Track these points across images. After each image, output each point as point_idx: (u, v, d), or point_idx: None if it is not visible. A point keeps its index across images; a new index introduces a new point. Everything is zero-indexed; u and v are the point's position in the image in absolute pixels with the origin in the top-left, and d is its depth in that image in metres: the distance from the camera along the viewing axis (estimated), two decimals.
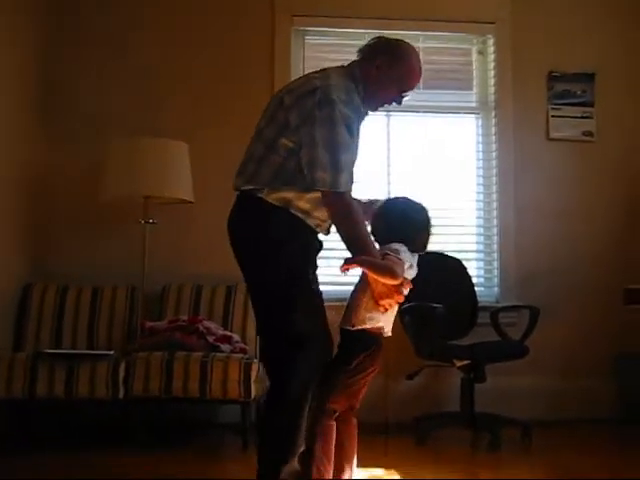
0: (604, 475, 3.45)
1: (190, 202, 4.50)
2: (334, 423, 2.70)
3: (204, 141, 4.72)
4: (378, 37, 2.88)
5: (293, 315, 2.58)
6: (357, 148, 2.69)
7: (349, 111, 2.63)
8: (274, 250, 2.65)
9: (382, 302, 2.59)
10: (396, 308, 2.69)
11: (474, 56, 5.24)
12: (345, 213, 2.61)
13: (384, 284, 2.55)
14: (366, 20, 4.95)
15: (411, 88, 2.81)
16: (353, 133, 2.64)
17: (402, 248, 2.59)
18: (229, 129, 4.75)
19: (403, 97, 2.82)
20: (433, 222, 2.76)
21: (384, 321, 2.65)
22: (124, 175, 4.36)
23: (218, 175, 4.69)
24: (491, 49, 5.15)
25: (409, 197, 2.85)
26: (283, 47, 4.98)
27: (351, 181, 2.62)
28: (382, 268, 2.52)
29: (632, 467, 3.60)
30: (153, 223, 4.43)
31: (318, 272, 2.74)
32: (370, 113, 2.87)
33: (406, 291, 2.63)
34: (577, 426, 4.60)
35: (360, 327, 2.63)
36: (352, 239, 2.58)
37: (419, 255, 2.71)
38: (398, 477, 3.29)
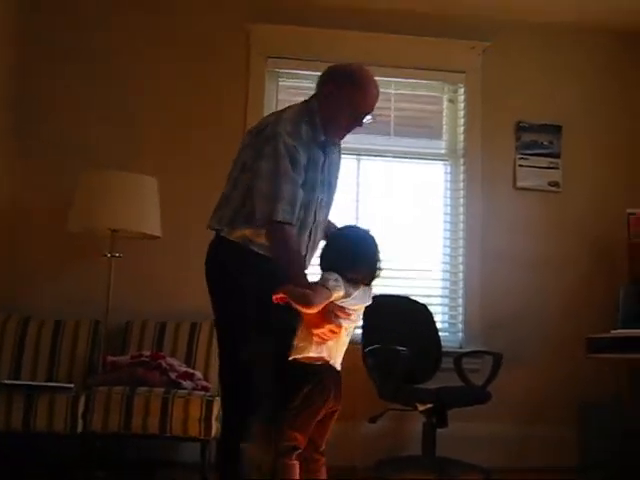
0: None
1: (157, 237, 4.49)
2: (295, 462, 2.66)
3: (174, 178, 4.72)
4: (329, 66, 2.95)
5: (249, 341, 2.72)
6: (316, 178, 2.79)
7: (294, 141, 2.71)
8: (233, 286, 2.77)
9: (315, 331, 2.60)
10: (344, 340, 2.68)
11: (445, 104, 5.32)
12: (280, 242, 2.68)
13: (317, 312, 2.56)
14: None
15: (366, 107, 2.84)
16: (297, 164, 2.70)
17: (332, 277, 2.58)
18: (199, 168, 4.79)
19: (362, 119, 2.84)
20: (379, 252, 2.72)
21: (329, 352, 2.65)
22: (92, 207, 4.35)
23: (186, 212, 4.76)
24: (461, 97, 5.25)
25: (358, 226, 2.86)
26: (257, 88, 5.03)
27: (292, 212, 2.68)
28: (297, 296, 2.53)
29: None
30: (119, 257, 4.41)
31: None
32: (341, 142, 2.96)
33: (346, 322, 2.63)
34: (538, 474, 4.60)
35: (295, 356, 2.64)
36: (285, 268, 2.63)
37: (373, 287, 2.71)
38: None
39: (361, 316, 2.78)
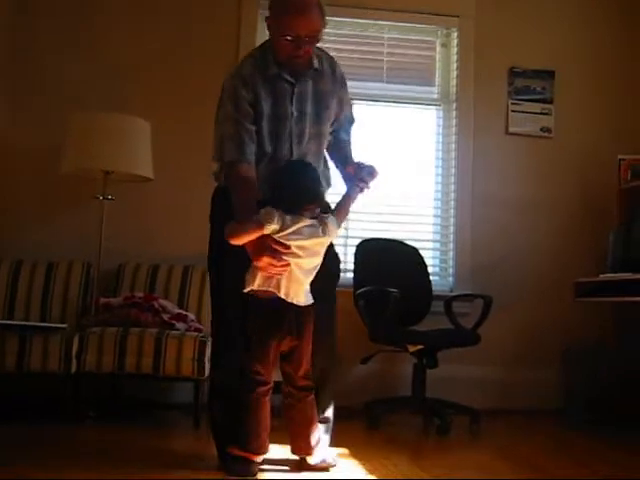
0: (547, 459, 3.51)
1: (149, 179, 4.48)
2: (259, 396, 2.80)
3: (166, 120, 4.69)
4: None
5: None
6: (281, 111, 2.92)
7: (235, 81, 2.88)
8: (212, 225, 3.06)
9: (255, 264, 2.73)
10: (297, 276, 2.76)
11: (437, 49, 5.29)
12: (229, 179, 2.90)
13: (251, 244, 2.70)
14: (333, 7, 4.93)
15: (290, 29, 2.79)
16: (239, 103, 2.85)
17: (264, 210, 2.69)
18: (191, 110, 4.75)
19: (293, 42, 2.80)
20: (309, 179, 2.83)
21: (282, 287, 2.75)
22: (84, 149, 4.32)
23: (178, 155, 4.75)
24: (454, 42, 5.21)
25: (294, 160, 2.95)
26: (249, 28, 4.97)
27: (237, 149, 2.84)
28: (226, 229, 2.70)
29: (573, 452, 3.69)
30: (111, 200, 4.41)
31: None
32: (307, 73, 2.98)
33: (289, 257, 2.71)
34: (524, 415, 4.68)
35: (246, 289, 2.78)
36: (234, 205, 2.81)
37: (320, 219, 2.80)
38: (349, 455, 3.32)
39: (319, 253, 2.81)
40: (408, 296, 4.33)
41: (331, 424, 3.11)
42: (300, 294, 2.80)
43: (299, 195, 2.76)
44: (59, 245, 4.61)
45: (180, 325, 4.16)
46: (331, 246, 2.99)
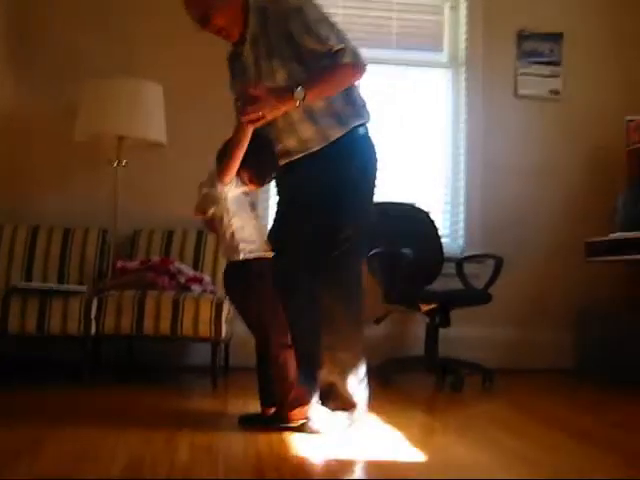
0: (561, 409, 3.59)
1: (162, 144, 4.52)
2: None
3: (179, 84, 4.72)
4: None
5: None
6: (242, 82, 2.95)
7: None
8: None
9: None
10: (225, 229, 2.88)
11: (446, 12, 5.30)
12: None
13: None
14: None
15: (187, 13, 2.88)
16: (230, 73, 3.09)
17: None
18: (204, 73, 4.74)
19: (198, 24, 2.89)
20: None
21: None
22: (97, 115, 4.37)
23: (191, 119, 4.77)
24: (463, 5, 5.23)
25: None
26: None
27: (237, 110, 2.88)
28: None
29: (585, 403, 3.76)
30: (125, 166, 4.46)
31: None
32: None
33: None
34: (536, 374, 4.75)
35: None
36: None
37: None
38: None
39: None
40: (420, 258, 4.39)
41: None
42: (250, 244, 2.91)
43: None
44: (75, 211, 4.67)
45: (196, 287, 4.22)
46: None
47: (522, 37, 5.22)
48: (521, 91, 5.21)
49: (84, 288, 4.08)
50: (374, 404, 3.08)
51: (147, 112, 4.42)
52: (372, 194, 3.03)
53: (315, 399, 2.93)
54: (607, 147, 5.11)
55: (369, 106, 3.02)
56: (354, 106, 2.95)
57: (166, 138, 4.51)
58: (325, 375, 2.92)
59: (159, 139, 4.46)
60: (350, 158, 2.92)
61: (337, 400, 2.91)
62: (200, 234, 4.63)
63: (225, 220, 2.84)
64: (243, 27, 2.92)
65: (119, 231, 4.51)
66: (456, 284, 4.63)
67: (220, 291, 4.35)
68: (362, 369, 2.95)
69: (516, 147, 5.18)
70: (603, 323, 4.79)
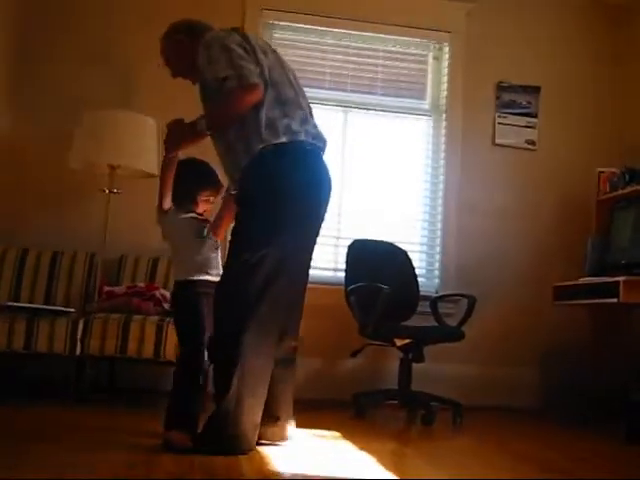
0: (527, 445, 3.74)
1: (154, 175, 4.68)
2: None
3: (171, 118, 4.88)
4: None
5: None
6: None
7: None
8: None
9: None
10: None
11: (429, 62, 5.56)
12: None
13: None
14: (333, 19, 5.26)
15: None
16: None
17: None
18: (195, 110, 4.94)
19: None
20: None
21: None
22: (93, 144, 4.53)
23: (182, 153, 4.92)
24: (446, 56, 5.48)
25: None
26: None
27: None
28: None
29: (550, 444, 3.92)
30: (117, 193, 4.61)
31: None
32: None
33: None
34: (504, 412, 4.91)
35: None
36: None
37: None
38: (340, 437, 3.52)
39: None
40: (397, 295, 4.55)
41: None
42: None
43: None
44: (64, 235, 4.80)
45: None
46: None
47: (501, 88, 5.48)
48: (498, 140, 5.45)
49: (72, 310, 4.21)
50: (348, 432, 3.17)
51: (140, 144, 4.59)
52: (270, 221, 2.94)
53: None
54: (578, 196, 5.34)
55: (292, 124, 3.00)
56: (256, 129, 2.96)
57: (157, 169, 4.65)
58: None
59: (150, 170, 4.62)
60: (248, 181, 2.99)
61: None
62: None
63: (171, 242, 3.20)
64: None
65: (107, 256, 4.64)
66: (430, 322, 4.80)
67: None
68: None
69: (492, 192, 5.40)
70: (568, 364, 4.99)
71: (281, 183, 2.94)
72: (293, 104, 3.05)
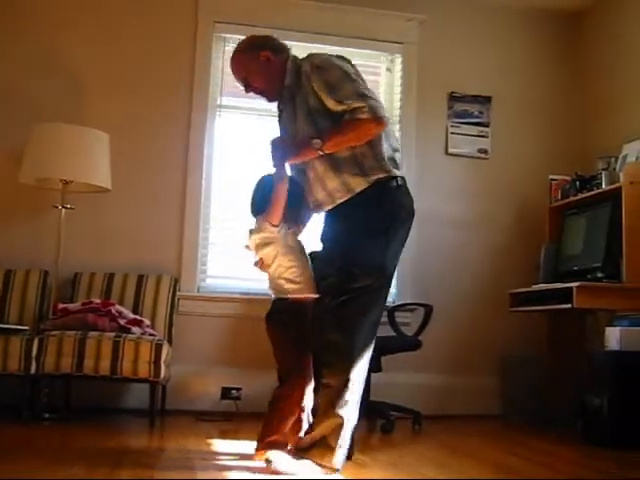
0: (488, 451, 3.77)
1: (107, 190, 4.65)
2: None
3: (124, 134, 4.88)
4: None
5: None
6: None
7: None
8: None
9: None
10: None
11: (382, 73, 5.60)
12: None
13: None
14: (285, 32, 5.20)
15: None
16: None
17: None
18: (149, 125, 4.96)
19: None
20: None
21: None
22: (44, 159, 4.47)
23: (135, 167, 4.93)
24: (398, 67, 5.53)
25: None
26: (204, 52, 5.21)
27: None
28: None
29: (510, 449, 3.96)
30: (70, 209, 4.55)
31: None
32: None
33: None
34: (463, 420, 4.94)
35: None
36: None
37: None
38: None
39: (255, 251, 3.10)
40: None
41: None
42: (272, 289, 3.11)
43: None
44: (17, 252, 4.73)
45: (136, 330, 4.32)
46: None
47: (453, 98, 5.54)
48: (451, 149, 5.50)
49: (27, 327, 4.15)
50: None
51: (92, 158, 4.54)
52: (395, 249, 3.11)
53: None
54: (531, 204, 5.42)
55: (398, 157, 3.19)
56: (377, 159, 3.04)
57: (111, 184, 4.63)
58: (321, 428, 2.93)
59: (104, 185, 4.58)
60: (374, 209, 3.02)
61: (319, 452, 2.91)
62: (140, 278, 4.75)
63: (275, 259, 3.01)
64: (282, 86, 3.16)
65: (60, 273, 4.57)
66: (388, 332, 4.81)
67: (159, 334, 4.47)
68: (348, 432, 2.98)
69: (447, 202, 5.44)
70: (525, 370, 5.04)
71: (406, 217, 3.14)
72: (393, 137, 3.23)
